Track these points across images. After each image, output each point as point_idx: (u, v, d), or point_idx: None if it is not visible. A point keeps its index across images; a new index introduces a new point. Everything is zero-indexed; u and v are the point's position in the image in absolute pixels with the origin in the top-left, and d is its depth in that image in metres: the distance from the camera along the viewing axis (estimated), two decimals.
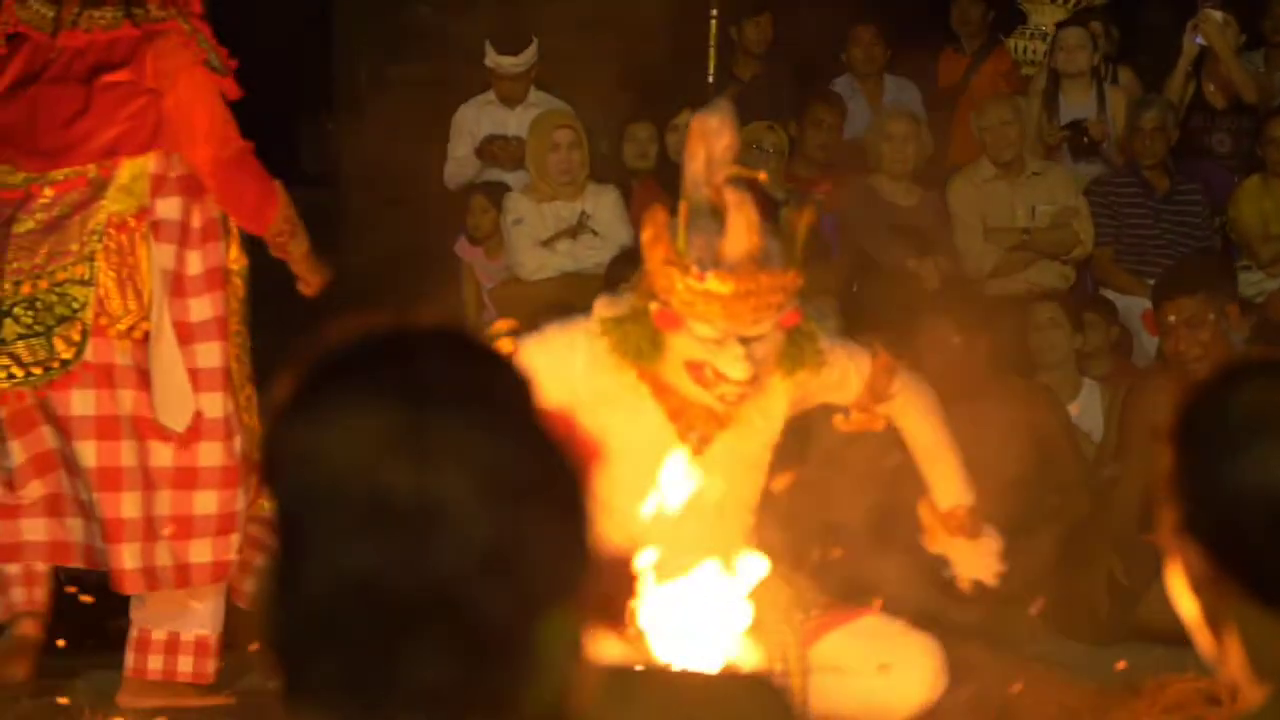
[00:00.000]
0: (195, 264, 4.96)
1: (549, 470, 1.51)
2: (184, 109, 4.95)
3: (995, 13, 8.97)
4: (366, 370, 1.53)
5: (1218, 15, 8.44)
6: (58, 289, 4.87)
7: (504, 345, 4.12)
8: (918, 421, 4.39)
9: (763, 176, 4.23)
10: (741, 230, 3.99)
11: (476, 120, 8.27)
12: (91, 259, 4.87)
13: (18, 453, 4.93)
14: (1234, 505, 1.84)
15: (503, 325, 4.18)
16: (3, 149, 5.02)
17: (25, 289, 4.90)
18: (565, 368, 4.17)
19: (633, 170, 8.10)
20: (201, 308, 4.95)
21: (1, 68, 5.05)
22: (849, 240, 8.09)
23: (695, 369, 4.09)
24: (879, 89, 9.01)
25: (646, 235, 4.10)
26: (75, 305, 4.87)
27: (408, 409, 1.49)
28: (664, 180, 7.52)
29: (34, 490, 4.92)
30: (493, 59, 8.24)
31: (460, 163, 8.29)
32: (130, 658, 5.02)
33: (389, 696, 1.46)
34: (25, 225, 4.93)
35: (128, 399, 4.89)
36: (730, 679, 2.13)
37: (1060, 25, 8.65)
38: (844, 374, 4.30)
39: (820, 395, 4.34)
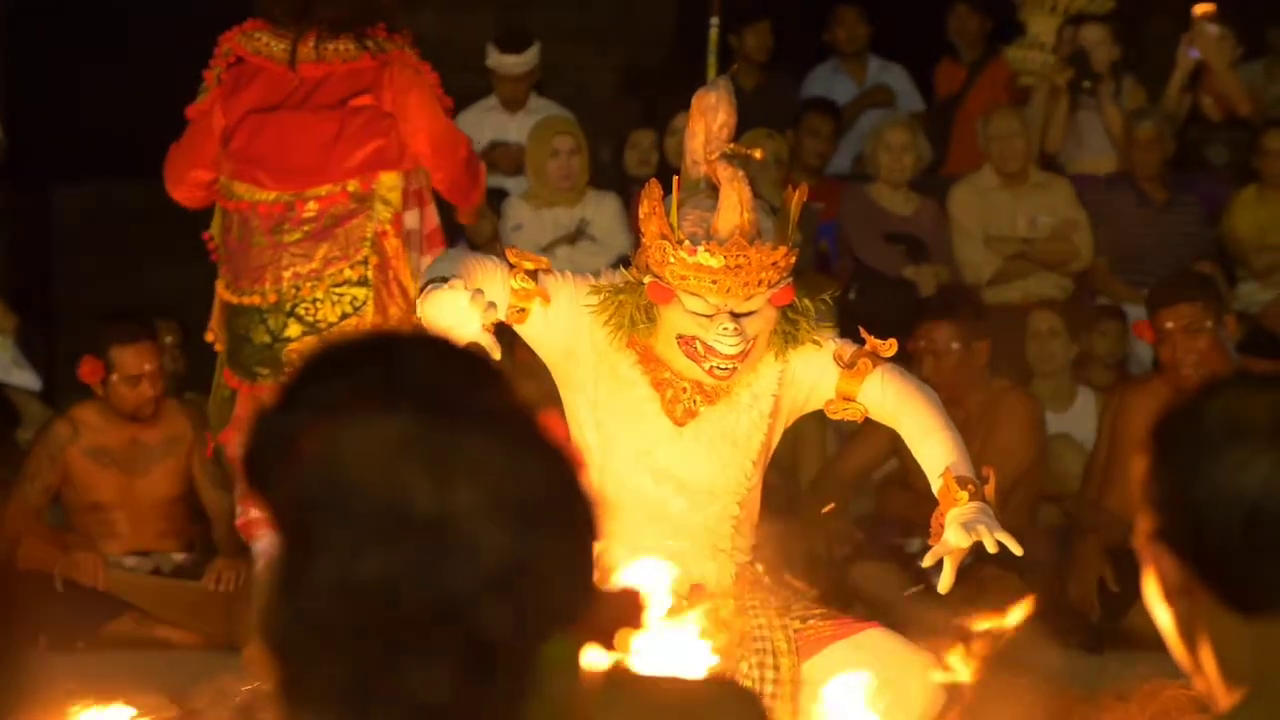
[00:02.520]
0: None
1: (561, 494, 1.51)
2: (420, 132, 5.46)
3: (993, 23, 9.01)
4: (388, 376, 1.53)
5: (1213, 29, 8.48)
6: (336, 290, 5.36)
7: (524, 273, 4.16)
8: (902, 411, 4.18)
9: (758, 154, 4.23)
10: (733, 205, 4.02)
11: (478, 126, 8.29)
12: (366, 263, 5.36)
13: None
14: (1206, 512, 1.85)
15: (529, 260, 4.21)
16: (247, 169, 5.45)
17: (305, 291, 5.37)
18: (576, 312, 4.20)
19: (634, 177, 8.13)
20: None
21: (234, 94, 5.48)
22: (847, 249, 8.14)
23: (686, 343, 4.11)
24: (863, 69, 9.08)
25: (643, 210, 4.13)
26: (356, 304, 5.38)
27: (428, 419, 1.49)
28: (665, 187, 7.55)
29: None
30: (495, 58, 8.26)
31: None
32: None
33: (386, 710, 1.45)
34: (294, 235, 5.41)
35: None
36: (706, 684, 2.15)
37: (1074, 21, 8.66)
38: (822, 350, 4.22)
39: (803, 377, 4.28)
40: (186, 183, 5.56)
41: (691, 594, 4.29)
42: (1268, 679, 1.86)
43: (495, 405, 1.54)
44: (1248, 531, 1.84)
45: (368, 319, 5.34)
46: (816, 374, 4.24)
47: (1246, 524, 1.83)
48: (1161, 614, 1.94)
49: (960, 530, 3.97)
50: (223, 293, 5.51)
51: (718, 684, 2.13)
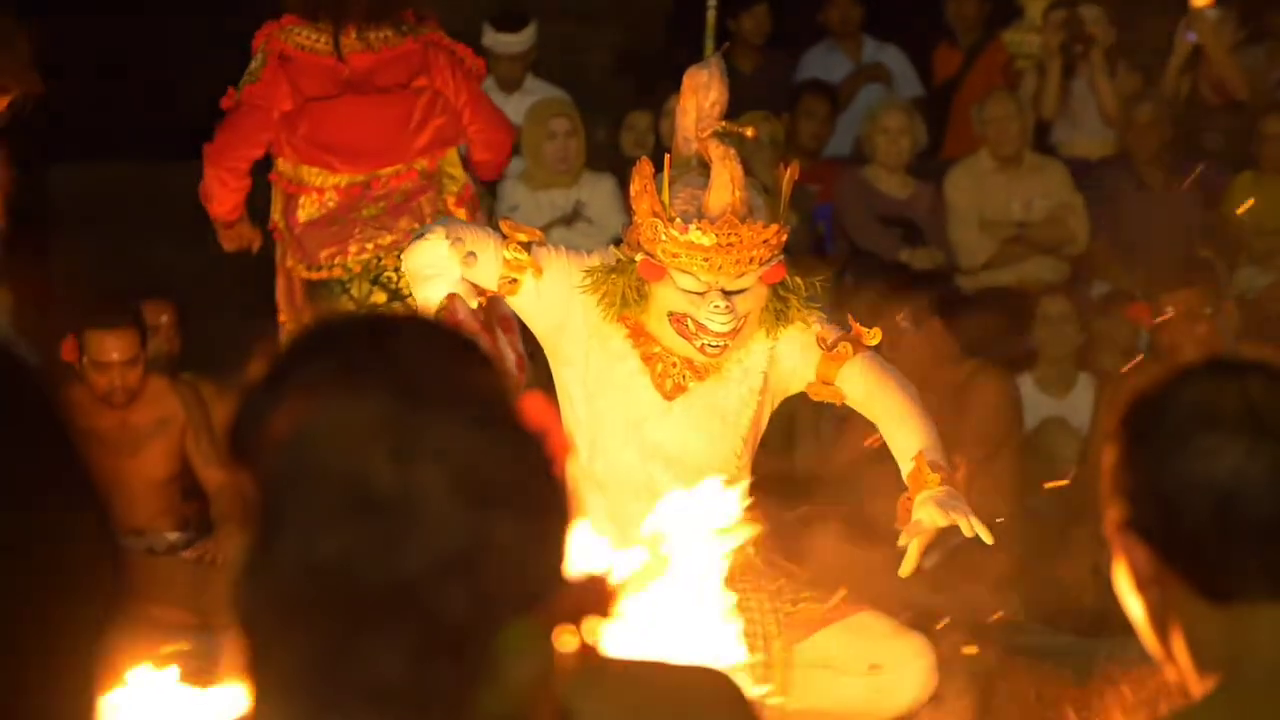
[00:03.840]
0: None
1: (529, 478, 1.51)
2: (472, 106, 5.84)
3: (991, 7, 9.01)
4: (357, 358, 1.52)
5: (1211, 12, 8.46)
6: None
7: (518, 244, 4.17)
8: (877, 397, 4.18)
9: (750, 132, 4.24)
10: (725, 184, 4.04)
11: None
12: None
13: None
14: (1177, 500, 1.85)
15: (522, 232, 4.22)
16: (317, 154, 5.74)
17: (388, 261, 5.67)
18: (568, 285, 4.21)
19: (630, 159, 8.09)
20: None
21: (291, 87, 5.71)
22: (842, 231, 8.13)
23: (678, 320, 4.12)
24: (858, 50, 9.09)
25: (634, 188, 4.14)
26: None
27: (396, 401, 1.49)
28: (658, 166, 7.53)
29: None
30: (491, 37, 8.24)
31: None
32: None
33: (344, 689, 1.45)
34: (372, 210, 5.73)
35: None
36: (688, 669, 2.15)
37: (1069, 4, 8.64)
38: (807, 332, 4.24)
39: (788, 356, 4.28)
40: (232, 160, 5.75)
41: None
42: (1239, 666, 1.87)
43: (468, 387, 1.53)
44: (1219, 519, 1.84)
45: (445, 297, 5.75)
46: (799, 354, 4.25)
47: (1218, 511, 1.84)
48: (1133, 604, 1.94)
49: (935, 509, 3.95)
50: (300, 272, 5.81)
51: (700, 669, 2.13)
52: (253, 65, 5.72)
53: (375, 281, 5.74)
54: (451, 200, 5.80)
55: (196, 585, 6.39)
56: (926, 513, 3.95)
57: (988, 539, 3.94)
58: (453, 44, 5.86)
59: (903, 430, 4.13)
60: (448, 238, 4.02)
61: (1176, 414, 1.87)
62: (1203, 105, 8.67)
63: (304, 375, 1.63)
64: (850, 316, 4.26)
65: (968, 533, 3.92)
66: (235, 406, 1.61)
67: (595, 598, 1.55)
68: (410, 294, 5.61)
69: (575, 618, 1.52)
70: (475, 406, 1.51)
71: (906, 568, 4.01)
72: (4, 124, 5.06)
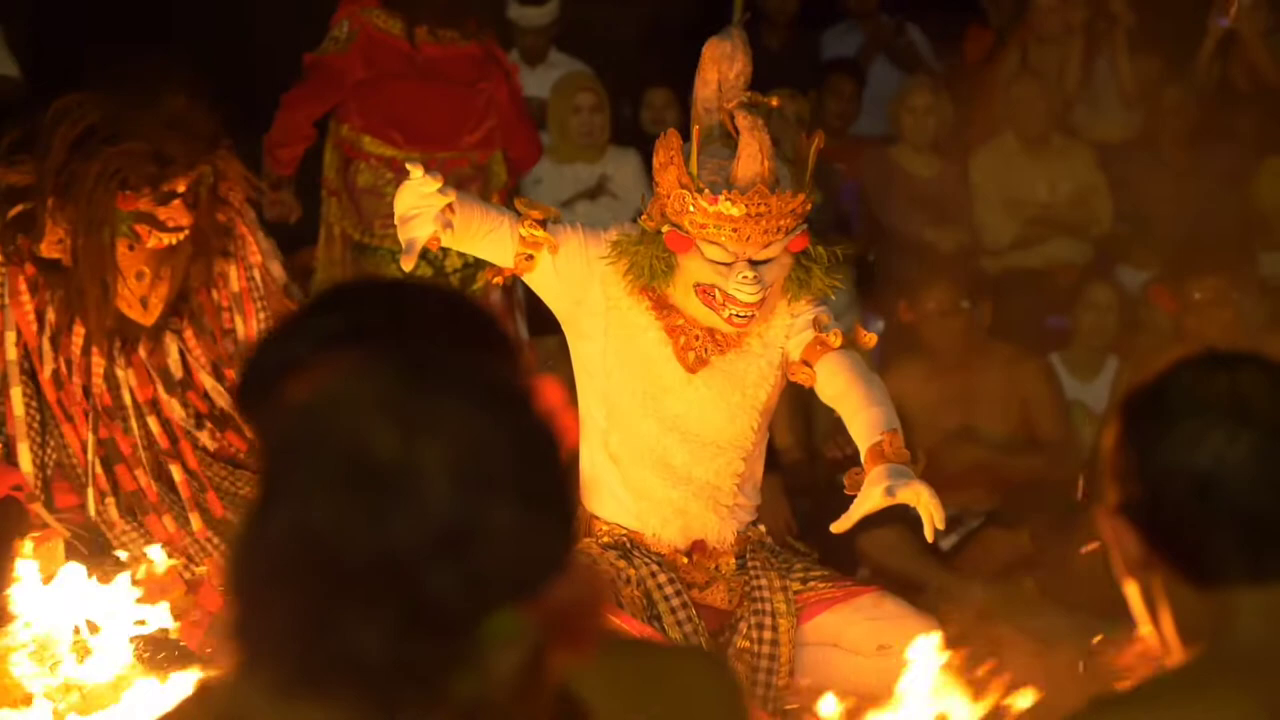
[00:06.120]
0: None
1: (533, 469, 1.50)
2: (517, 114, 6.47)
3: None
4: (370, 322, 1.54)
5: None
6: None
7: (533, 221, 4.18)
8: (853, 387, 4.09)
9: (775, 103, 4.23)
10: (753, 154, 4.02)
11: None
12: None
13: None
14: (1160, 485, 1.87)
15: (538, 209, 4.22)
16: (382, 127, 6.29)
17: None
18: (587, 261, 4.21)
19: (650, 136, 8.10)
20: None
21: (366, 60, 6.26)
22: (867, 210, 8.12)
23: (705, 292, 4.12)
24: (877, 28, 9.08)
25: (660, 159, 4.13)
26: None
27: (408, 375, 1.49)
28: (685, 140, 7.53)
29: None
30: (516, 10, 8.24)
31: None
32: None
33: (322, 659, 1.45)
34: None
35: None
36: (678, 651, 2.15)
37: None
38: (808, 313, 4.21)
39: (795, 331, 4.26)
40: (300, 116, 6.24)
41: (693, 549, 4.30)
42: (1218, 646, 1.88)
43: (483, 369, 1.53)
44: (1199, 504, 1.86)
45: (485, 272, 6.01)
46: (800, 331, 4.23)
47: (1199, 496, 1.86)
48: (1127, 587, 1.95)
49: (925, 493, 3.81)
50: (353, 233, 6.34)
51: (689, 651, 2.13)
52: (338, 34, 6.24)
53: (421, 255, 6.06)
54: (495, 198, 6.17)
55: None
56: (908, 493, 3.83)
57: (929, 535, 3.84)
58: (502, 55, 6.50)
59: (873, 411, 4.01)
60: (426, 173, 4.01)
61: (1165, 402, 1.89)
62: (1233, 90, 8.63)
63: (324, 328, 1.64)
64: (856, 320, 4.26)
65: (934, 525, 3.83)
66: (247, 357, 1.61)
67: (590, 596, 1.54)
68: (453, 271, 6.10)
69: (568, 613, 1.50)
70: (487, 390, 1.50)
71: (844, 524, 3.88)
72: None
